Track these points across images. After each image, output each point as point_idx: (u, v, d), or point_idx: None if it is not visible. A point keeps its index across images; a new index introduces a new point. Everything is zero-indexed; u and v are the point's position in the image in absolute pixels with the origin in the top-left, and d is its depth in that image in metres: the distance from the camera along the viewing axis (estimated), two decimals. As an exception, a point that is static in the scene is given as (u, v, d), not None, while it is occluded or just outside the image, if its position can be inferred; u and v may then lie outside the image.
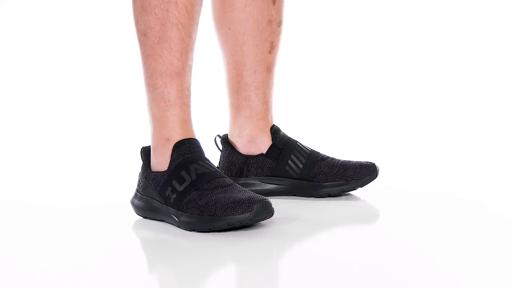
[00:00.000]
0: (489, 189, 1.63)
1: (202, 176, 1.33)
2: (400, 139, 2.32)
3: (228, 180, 1.33)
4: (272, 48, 1.53)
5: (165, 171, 1.35)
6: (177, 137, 1.37)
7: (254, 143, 1.55)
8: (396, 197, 1.54)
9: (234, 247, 1.20)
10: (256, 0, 1.51)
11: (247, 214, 1.25)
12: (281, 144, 1.54)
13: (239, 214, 1.25)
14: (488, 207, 1.44)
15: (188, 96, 1.39)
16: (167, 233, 1.29)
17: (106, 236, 1.30)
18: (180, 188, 1.32)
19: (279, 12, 1.53)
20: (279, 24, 1.54)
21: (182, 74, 1.37)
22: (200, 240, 1.24)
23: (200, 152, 1.37)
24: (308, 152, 1.54)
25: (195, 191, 1.31)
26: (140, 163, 1.41)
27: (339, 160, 1.53)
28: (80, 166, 2.06)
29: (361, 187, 1.51)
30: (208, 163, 1.36)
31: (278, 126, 1.56)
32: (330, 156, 1.54)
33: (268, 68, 1.54)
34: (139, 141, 2.29)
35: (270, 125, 1.55)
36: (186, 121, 1.39)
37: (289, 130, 1.61)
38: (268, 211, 1.27)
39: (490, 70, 2.62)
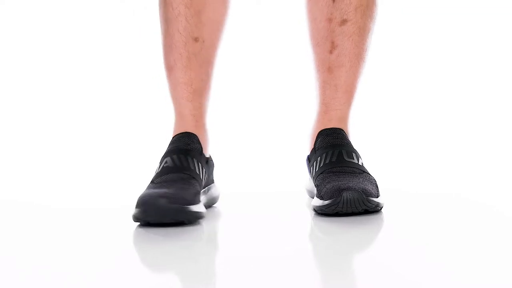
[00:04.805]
0: (493, 189, 1.63)
1: (164, 170, 1.36)
2: (400, 140, 2.32)
3: (181, 176, 1.35)
4: (333, 48, 1.45)
5: None
6: (175, 130, 1.44)
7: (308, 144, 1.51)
8: (398, 199, 1.54)
9: (240, 248, 1.20)
10: None
11: (134, 211, 1.29)
12: (314, 150, 1.47)
13: (135, 210, 1.29)
14: (493, 208, 1.44)
15: (188, 91, 1.43)
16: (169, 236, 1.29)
17: (106, 239, 1.30)
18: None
19: (341, 11, 1.43)
20: (341, 23, 1.43)
21: (175, 68, 1.42)
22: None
23: (187, 145, 1.40)
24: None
25: (150, 183, 1.35)
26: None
27: None
28: (81, 167, 2.06)
29: None
30: (183, 158, 1.37)
31: (336, 130, 1.46)
32: None
33: (330, 69, 1.46)
34: (139, 141, 2.28)
35: (322, 128, 1.47)
36: (183, 115, 1.43)
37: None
38: (155, 214, 1.27)
39: (490, 70, 2.62)
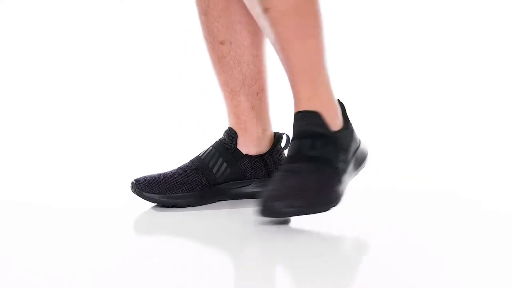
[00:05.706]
0: (490, 188, 1.63)
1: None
2: (399, 141, 2.32)
3: (183, 165, 1.51)
4: (271, 35, 1.40)
5: None
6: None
7: None
8: (397, 199, 1.54)
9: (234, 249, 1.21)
10: None
11: None
12: None
13: None
14: (492, 207, 1.44)
15: (227, 91, 1.53)
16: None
17: (106, 239, 1.30)
18: None
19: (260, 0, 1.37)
20: (265, 12, 1.37)
21: (214, 71, 1.53)
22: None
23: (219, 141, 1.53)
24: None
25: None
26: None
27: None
28: (81, 167, 2.06)
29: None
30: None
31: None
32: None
33: (280, 56, 1.42)
34: (138, 141, 2.28)
35: (295, 111, 1.43)
36: (227, 112, 1.55)
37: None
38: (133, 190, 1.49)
39: (487, 68, 2.62)
